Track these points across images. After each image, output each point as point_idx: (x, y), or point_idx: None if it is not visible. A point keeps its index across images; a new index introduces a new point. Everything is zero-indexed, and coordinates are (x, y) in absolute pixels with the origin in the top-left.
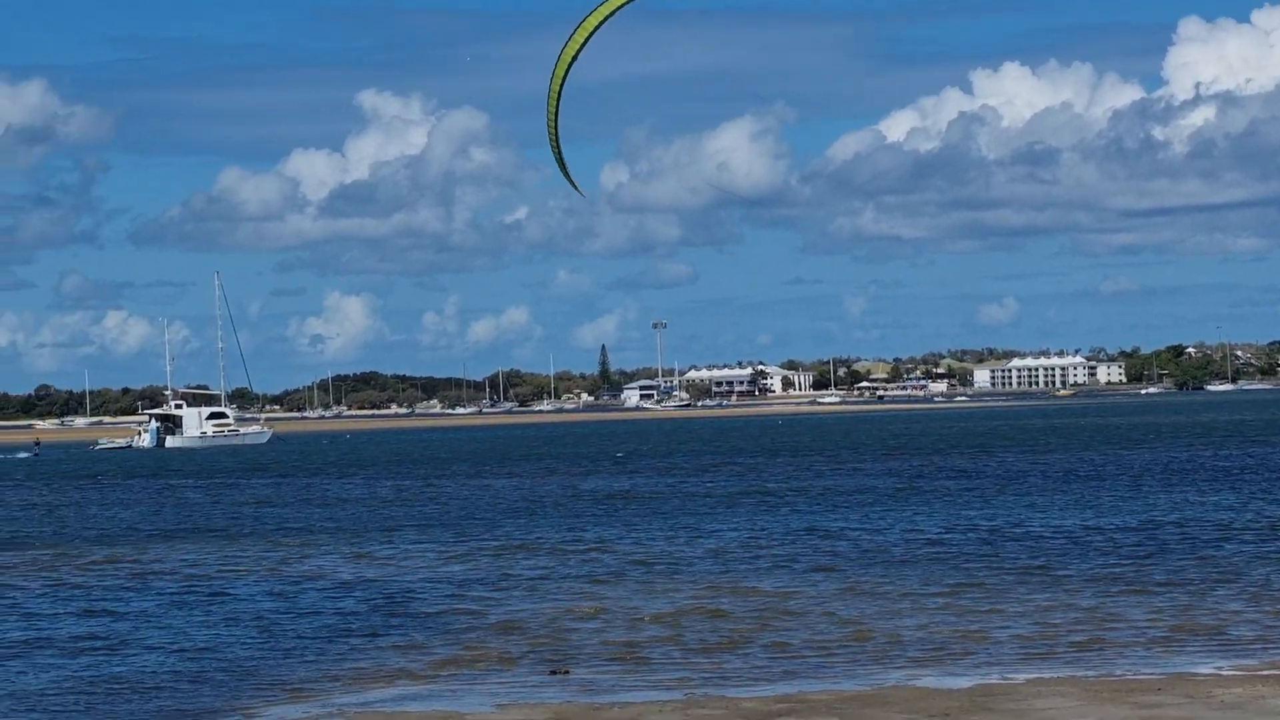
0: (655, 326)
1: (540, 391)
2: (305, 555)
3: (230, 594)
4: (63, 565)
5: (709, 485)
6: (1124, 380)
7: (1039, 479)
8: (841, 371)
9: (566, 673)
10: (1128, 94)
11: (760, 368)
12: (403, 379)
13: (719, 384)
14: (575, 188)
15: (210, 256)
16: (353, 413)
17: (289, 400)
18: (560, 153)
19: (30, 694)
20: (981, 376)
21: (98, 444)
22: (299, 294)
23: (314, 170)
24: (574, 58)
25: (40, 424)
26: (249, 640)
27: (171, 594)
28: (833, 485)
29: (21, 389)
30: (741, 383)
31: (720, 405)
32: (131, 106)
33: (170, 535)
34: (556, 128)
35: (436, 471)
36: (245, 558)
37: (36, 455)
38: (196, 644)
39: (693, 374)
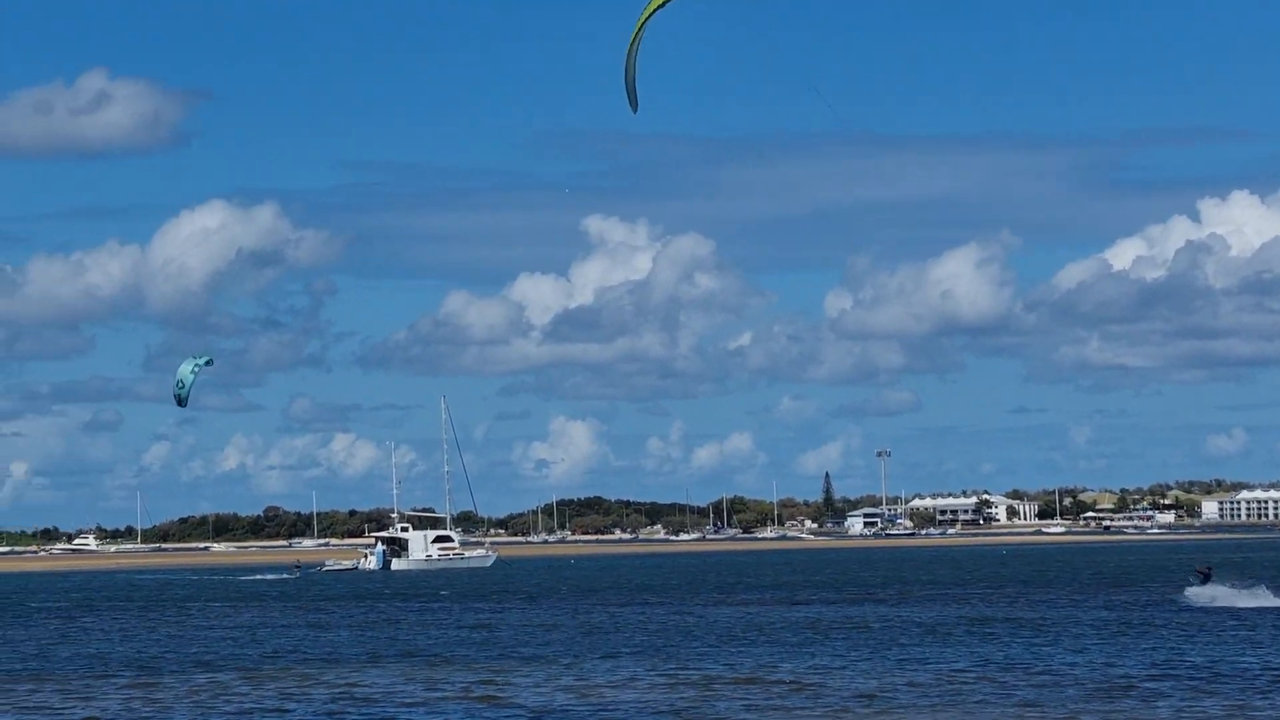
0: (879, 455)
1: (764, 518)
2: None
3: None
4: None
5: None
6: None
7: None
8: (1067, 501)
9: None
10: None
11: (985, 497)
12: (627, 504)
13: (943, 512)
14: (632, 103)
15: (436, 380)
16: (576, 537)
17: (513, 524)
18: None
19: None
20: (1210, 508)
21: (324, 566)
22: (523, 418)
23: (539, 294)
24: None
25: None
26: None
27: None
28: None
29: (250, 510)
30: (965, 511)
31: (944, 534)
32: (360, 230)
33: (378, 658)
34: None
35: (657, 598)
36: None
37: (297, 576)
38: None
39: (916, 502)
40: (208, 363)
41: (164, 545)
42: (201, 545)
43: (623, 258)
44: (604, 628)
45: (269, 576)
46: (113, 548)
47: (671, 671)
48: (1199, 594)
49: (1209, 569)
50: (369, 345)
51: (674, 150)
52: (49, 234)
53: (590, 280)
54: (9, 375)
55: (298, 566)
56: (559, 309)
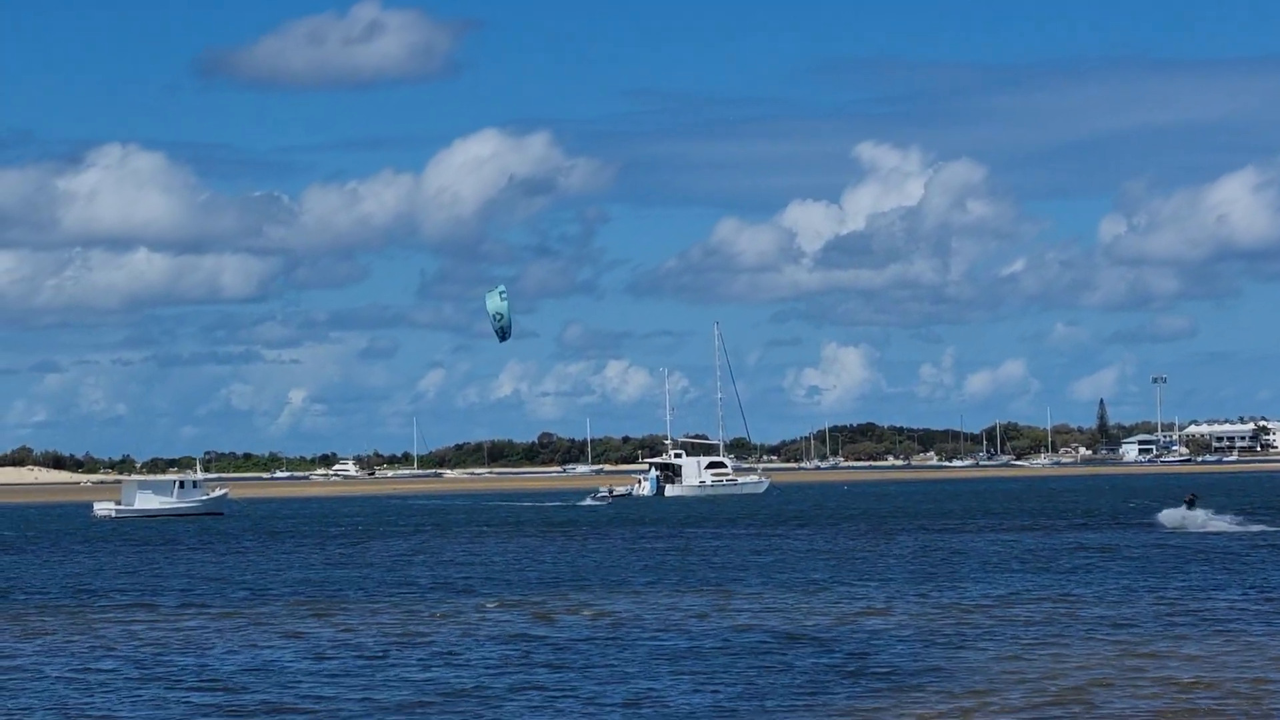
0: (1155, 381)
1: (1037, 445)
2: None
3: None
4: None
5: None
6: None
7: None
8: None
9: None
10: None
11: (1262, 423)
12: (899, 431)
13: (1219, 439)
14: None
15: (707, 307)
16: (849, 463)
17: (786, 451)
18: None
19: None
20: None
21: (598, 492)
22: (795, 344)
23: (810, 221)
24: None
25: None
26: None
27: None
28: None
29: (525, 436)
30: (1242, 438)
31: (1219, 461)
32: (632, 158)
33: (655, 585)
34: None
35: (930, 523)
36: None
37: (609, 502)
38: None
39: (1192, 429)
40: (502, 292)
41: (440, 470)
42: (481, 471)
43: (894, 184)
44: (872, 553)
45: (587, 502)
46: (374, 473)
47: (931, 595)
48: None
49: None
50: (640, 273)
51: (947, 77)
52: (324, 164)
53: (862, 207)
54: (288, 304)
55: (610, 493)
56: (830, 235)
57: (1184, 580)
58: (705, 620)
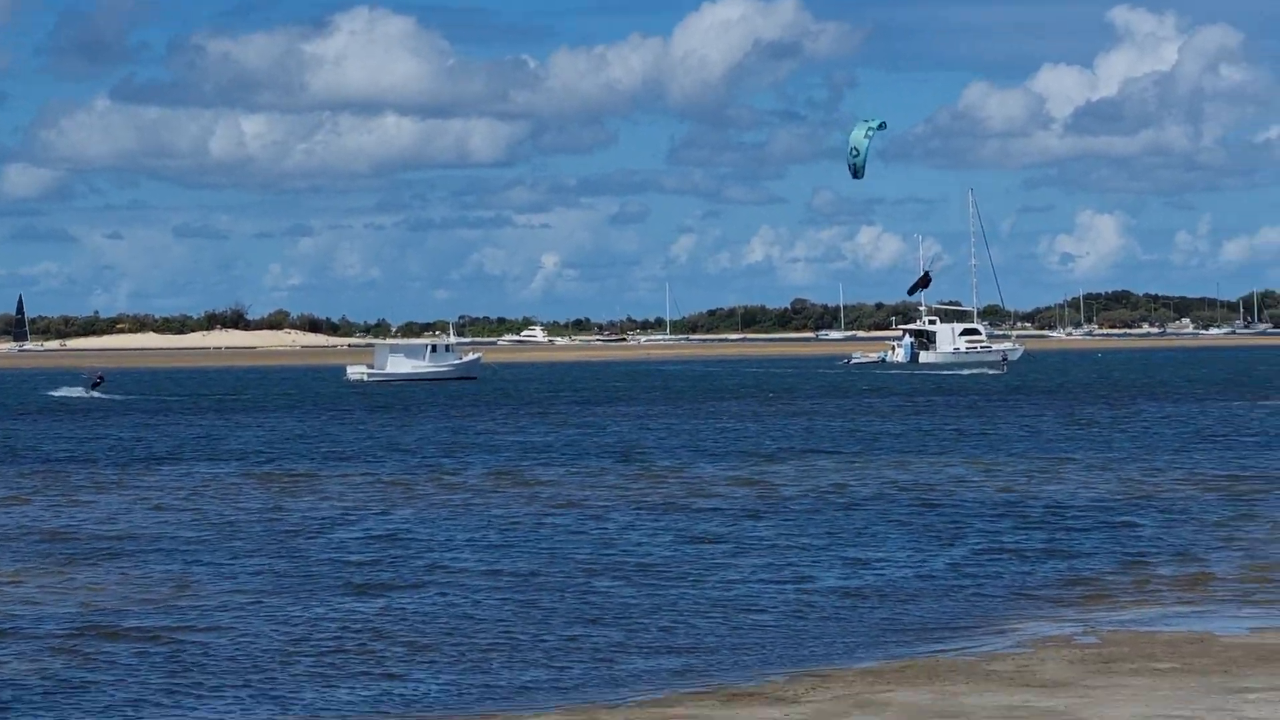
0: None
1: None
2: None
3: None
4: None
5: None
6: None
7: None
8: None
9: None
10: None
11: None
12: (1154, 298)
13: None
14: None
15: (956, 173)
16: (1103, 331)
17: (1039, 318)
18: None
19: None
20: None
21: (851, 358)
22: (1047, 211)
23: (1062, 86)
24: None
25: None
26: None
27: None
28: None
29: (777, 303)
30: None
31: None
32: (881, 22)
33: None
34: None
35: (1177, 393)
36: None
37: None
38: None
39: None
40: (880, 126)
41: (690, 336)
42: (734, 337)
43: (1149, 49)
44: (1137, 422)
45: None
46: (625, 338)
47: (1207, 469)
48: None
49: None
50: (888, 137)
51: None
52: (572, 28)
53: (1115, 72)
54: (536, 169)
55: (883, 357)
56: (1081, 101)
57: None
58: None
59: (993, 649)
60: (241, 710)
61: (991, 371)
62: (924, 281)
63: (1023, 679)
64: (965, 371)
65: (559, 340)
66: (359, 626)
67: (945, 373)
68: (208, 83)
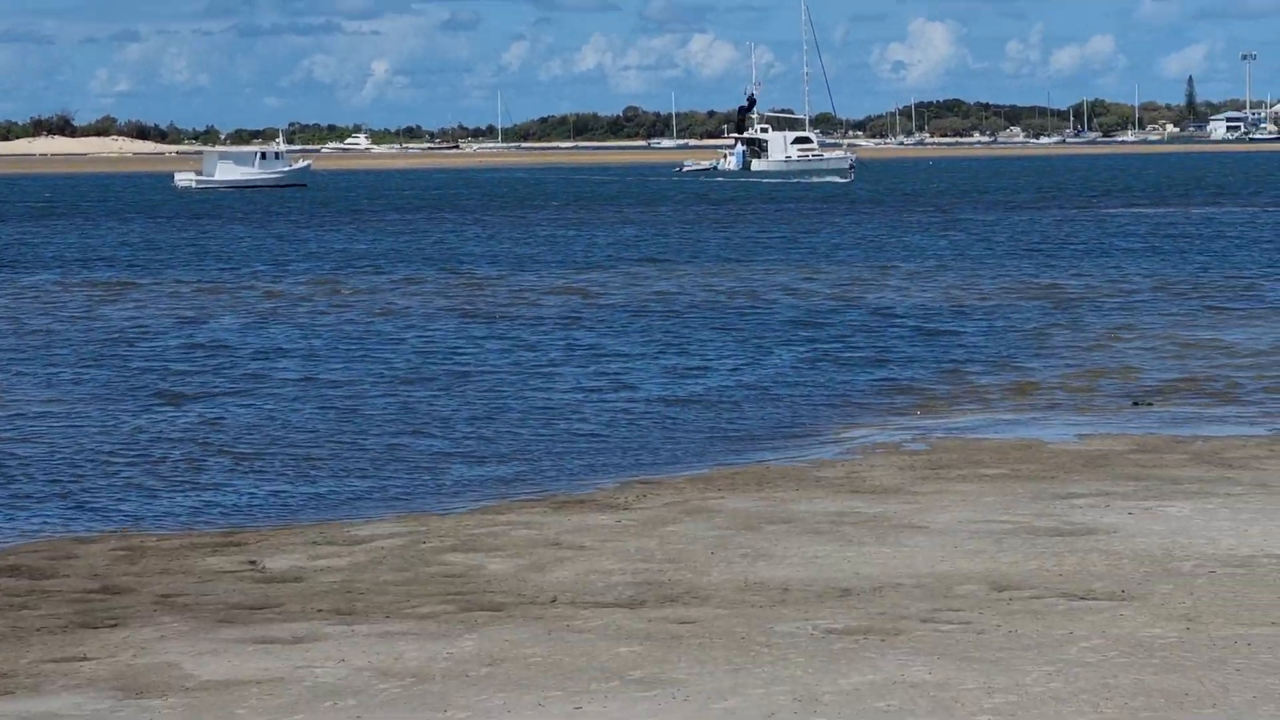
0: (1244, 58)
1: (1124, 122)
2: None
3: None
4: None
5: None
6: None
7: None
8: None
9: (1149, 405)
10: None
11: None
12: (985, 107)
13: None
14: None
15: None
16: (935, 139)
17: (871, 126)
18: None
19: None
20: None
21: (683, 166)
22: (880, 19)
23: None
24: None
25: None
26: (804, 364)
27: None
28: None
29: (610, 110)
30: None
31: None
32: None
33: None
34: None
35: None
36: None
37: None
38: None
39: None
40: None
41: (522, 144)
42: (566, 145)
43: None
44: (978, 236)
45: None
46: (378, 148)
47: (1029, 277)
48: None
49: None
50: None
51: None
52: None
53: None
54: None
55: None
56: None
57: None
58: None
59: (821, 456)
60: (63, 521)
61: (840, 180)
62: (750, 104)
63: (851, 485)
64: (814, 179)
65: (379, 148)
66: (180, 436)
67: (794, 180)
68: None
